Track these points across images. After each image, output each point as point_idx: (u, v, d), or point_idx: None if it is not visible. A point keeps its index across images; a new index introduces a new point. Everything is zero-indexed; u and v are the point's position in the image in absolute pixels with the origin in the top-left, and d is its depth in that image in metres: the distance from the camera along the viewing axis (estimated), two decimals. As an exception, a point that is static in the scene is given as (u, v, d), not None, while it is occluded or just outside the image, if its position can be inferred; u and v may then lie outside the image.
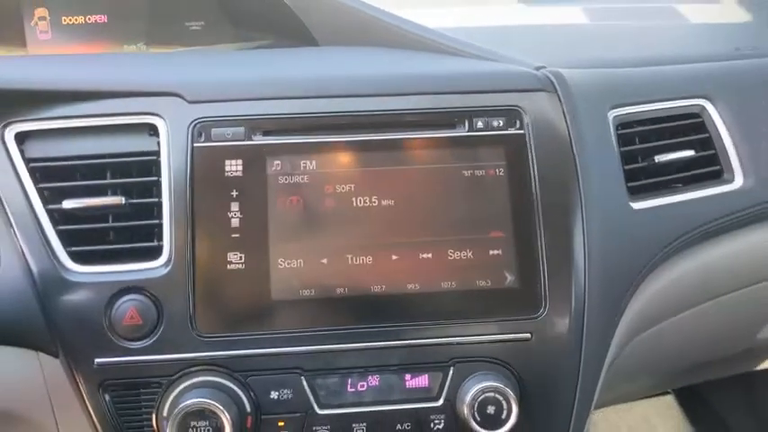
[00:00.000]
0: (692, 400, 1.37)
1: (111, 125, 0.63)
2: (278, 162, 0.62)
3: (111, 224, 0.61)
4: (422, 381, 0.61)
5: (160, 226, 0.61)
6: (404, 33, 0.76)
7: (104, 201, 0.60)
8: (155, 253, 0.60)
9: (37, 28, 0.97)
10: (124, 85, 0.63)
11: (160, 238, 0.61)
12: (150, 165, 0.63)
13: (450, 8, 1.11)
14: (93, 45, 0.98)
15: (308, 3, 0.81)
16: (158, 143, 0.62)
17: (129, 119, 0.63)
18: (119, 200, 0.61)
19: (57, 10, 0.96)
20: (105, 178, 0.62)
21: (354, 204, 0.62)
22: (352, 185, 0.62)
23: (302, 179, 0.62)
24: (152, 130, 0.63)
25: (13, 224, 0.60)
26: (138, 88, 0.63)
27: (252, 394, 0.59)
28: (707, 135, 0.73)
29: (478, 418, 0.58)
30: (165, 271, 0.59)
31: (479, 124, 0.63)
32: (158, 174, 0.62)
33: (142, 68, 0.68)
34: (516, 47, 0.76)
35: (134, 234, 0.62)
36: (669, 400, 1.41)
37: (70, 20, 0.97)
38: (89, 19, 0.98)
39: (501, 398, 0.58)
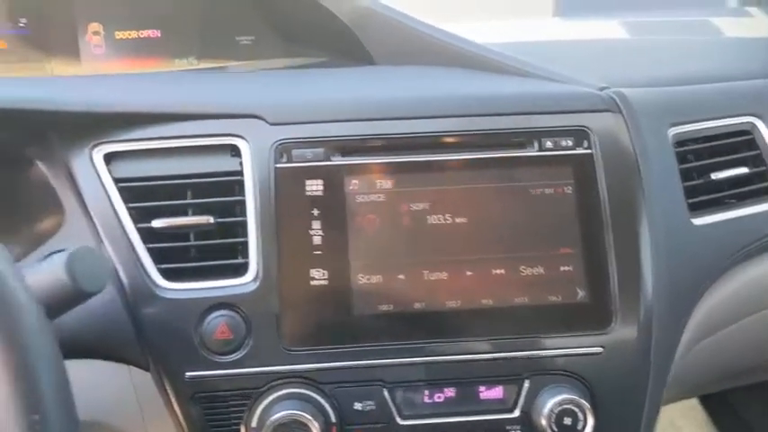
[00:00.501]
0: (716, 402, 1.41)
1: (195, 146, 0.65)
2: (356, 181, 0.64)
3: (199, 242, 0.63)
4: (496, 392, 0.64)
5: (246, 244, 0.63)
6: (462, 52, 0.78)
7: (194, 220, 0.63)
8: (241, 270, 0.63)
9: (91, 42, 0.99)
10: (209, 108, 0.65)
11: (246, 255, 0.63)
12: (233, 184, 0.65)
13: (484, 22, 1.13)
14: (145, 60, 1.00)
15: (365, 21, 0.83)
16: (240, 164, 0.65)
17: (214, 140, 0.65)
18: (207, 219, 0.63)
19: (110, 25, 0.98)
20: (191, 198, 0.65)
21: (429, 222, 0.65)
22: (427, 204, 0.65)
23: (379, 198, 0.64)
24: (234, 151, 0.65)
25: (105, 242, 0.62)
26: (222, 111, 0.65)
27: (337, 405, 0.62)
28: (758, 152, 0.75)
29: (556, 429, 0.60)
30: (253, 287, 0.62)
31: (549, 144, 0.66)
32: (242, 193, 0.64)
33: (224, 91, 0.70)
34: (559, 62, 0.78)
35: (219, 251, 0.64)
36: (693, 402, 1.44)
37: (124, 35, 0.99)
38: (142, 34, 1.00)
39: (577, 409, 0.61)
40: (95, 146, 0.65)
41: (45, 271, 0.47)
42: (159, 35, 1.00)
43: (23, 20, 0.97)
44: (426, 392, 0.64)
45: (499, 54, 0.76)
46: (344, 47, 0.86)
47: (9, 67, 0.98)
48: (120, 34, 0.99)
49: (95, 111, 0.64)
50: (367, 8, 0.82)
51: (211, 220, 0.63)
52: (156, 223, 0.63)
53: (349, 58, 0.87)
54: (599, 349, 0.63)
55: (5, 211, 0.71)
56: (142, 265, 0.62)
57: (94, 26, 0.99)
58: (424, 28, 0.80)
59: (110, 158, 0.65)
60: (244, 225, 0.64)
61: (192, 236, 0.65)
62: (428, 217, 0.65)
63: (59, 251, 0.55)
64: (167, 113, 0.66)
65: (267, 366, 0.62)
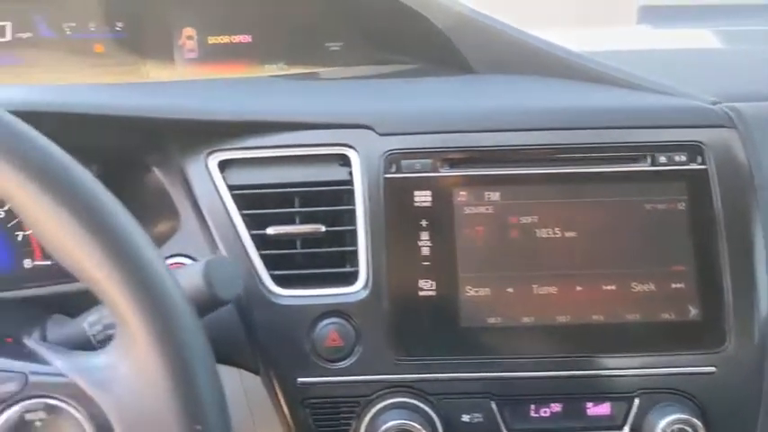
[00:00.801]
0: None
1: (305, 155, 0.66)
2: (464, 193, 0.65)
3: (309, 250, 0.64)
4: (603, 409, 0.63)
5: (355, 252, 0.64)
6: (564, 62, 0.78)
7: (306, 228, 0.64)
8: (350, 278, 0.64)
9: (184, 47, 1.01)
10: (321, 118, 0.66)
11: (355, 264, 0.64)
12: (341, 194, 0.66)
13: (566, 30, 1.12)
14: (236, 65, 1.02)
15: (464, 29, 0.83)
16: (350, 173, 0.65)
17: (324, 149, 0.66)
18: (318, 227, 0.64)
19: (204, 30, 1.00)
20: (298, 206, 0.66)
21: (538, 235, 0.64)
22: (536, 217, 0.64)
23: (487, 210, 0.64)
24: (342, 161, 0.66)
25: (221, 248, 0.63)
26: (333, 120, 0.66)
27: (444, 416, 0.62)
28: None
29: (669, 448, 0.60)
30: (363, 295, 0.62)
31: (662, 159, 0.65)
32: (351, 203, 0.65)
33: (333, 100, 0.71)
34: (653, 72, 0.77)
35: (327, 259, 0.65)
36: None
37: (216, 39, 1.01)
38: (234, 39, 1.02)
39: (690, 430, 0.60)
40: (210, 153, 0.66)
41: (182, 278, 0.48)
42: (250, 40, 1.01)
43: (120, 24, 1.00)
44: (533, 406, 0.64)
45: (603, 64, 0.76)
46: (439, 54, 0.86)
47: (105, 71, 1.01)
48: (212, 39, 1.01)
49: (215, 119, 0.65)
50: (465, 15, 0.82)
51: (322, 228, 0.64)
52: (271, 230, 0.64)
53: (444, 66, 0.87)
54: (712, 369, 0.62)
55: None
56: (256, 271, 0.63)
57: (188, 31, 1.01)
58: (523, 36, 0.80)
59: (224, 166, 0.66)
60: (353, 234, 0.65)
61: (298, 243, 0.66)
62: (537, 230, 0.64)
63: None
64: (281, 122, 0.67)
65: (376, 375, 0.62)
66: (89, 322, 0.52)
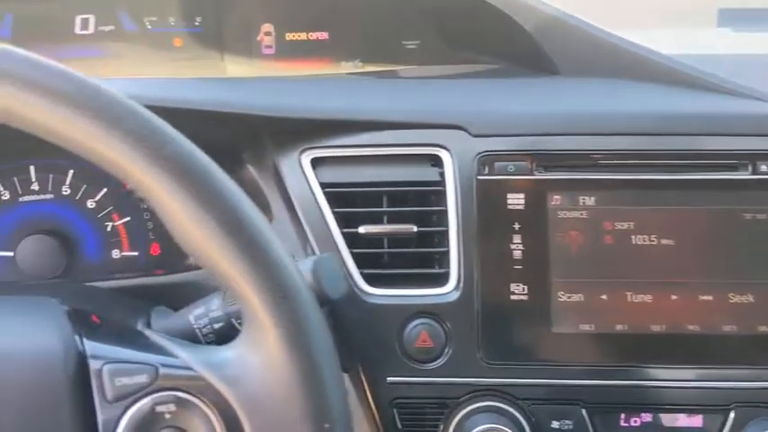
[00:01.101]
0: None
1: (396, 155, 0.66)
2: (558, 197, 0.64)
3: (399, 249, 0.64)
4: (695, 421, 0.62)
5: (446, 253, 0.63)
6: (655, 66, 0.76)
7: (399, 228, 0.64)
8: (441, 279, 0.63)
9: (262, 43, 1.02)
10: (414, 117, 0.66)
11: (446, 265, 0.63)
12: (431, 194, 0.65)
13: (646, 31, 1.09)
14: (313, 62, 1.02)
15: (551, 30, 0.82)
16: (441, 174, 0.65)
17: (416, 149, 0.66)
18: (411, 228, 0.63)
19: (282, 26, 1.00)
20: (386, 205, 0.65)
21: (633, 242, 0.63)
22: (632, 223, 0.63)
23: (581, 215, 0.63)
24: (434, 161, 0.66)
25: (313, 245, 0.64)
26: (425, 120, 0.66)
27: (533, 422, 0.61)
28: None
29: (768, 465, 0.58)
30: (453, 297, 0.62)
31: (763, 168, 0.63)
32: (441, 203, 0.64)
33: (425, 100, 0.70)
34: (741, 78, 0.75)
35: (416, 260, 0.65)
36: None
37: (294, 36, 1.01)
38: (311, 36, 1.02)
39: (791, 446, 0.58)
40: (304, 151, 0.66)
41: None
42: (327, 37, 1.02)
43: (199, 19, 1.01)
44: (623, 416, 0.63)
45: (696, 69, 0.74)
46: (523, 55, 0.85)
47: (183, 65, 1.02)
48: (290, 35, 1.01)
49: (311, 117, 0.66)
50: (553, 17, 0.81)
51: (414, 228, 0.64)
52: (362, 229, 0.64)
53: (527, 67, 0.86)
54: (813, 384, 0.60)
55: None
56: (348, 269, 0.63)
57: (267, 27, 1.01)
58: (613, 39, 0.78)
59: (316, 163, 0.67)
60: (444, 235, 0.64)
61: (385, 242, 0.66)
62: (632, 237, 0.63)
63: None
64: (375, 121, 0.67)
65: (465, 377, 0.62)
66: (195, 315, 0.53)
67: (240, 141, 0.67)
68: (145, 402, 0.38)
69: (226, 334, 0.52)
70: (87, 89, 0.35)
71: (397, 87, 0.78)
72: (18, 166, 0.74)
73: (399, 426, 0.63)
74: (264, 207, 0.67)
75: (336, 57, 1.01)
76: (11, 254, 0.74)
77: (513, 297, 0.62)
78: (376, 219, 0.65)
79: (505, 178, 0.64)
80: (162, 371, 0.39)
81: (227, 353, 0.39)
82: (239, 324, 0.52)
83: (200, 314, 0.53)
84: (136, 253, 0.78)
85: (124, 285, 0.73)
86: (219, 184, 0.36)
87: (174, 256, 0.78)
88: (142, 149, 0.35)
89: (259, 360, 0.38)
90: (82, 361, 0.40)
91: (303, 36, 1.02)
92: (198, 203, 0.36)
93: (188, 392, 0.39)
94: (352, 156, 0.67)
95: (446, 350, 0.62)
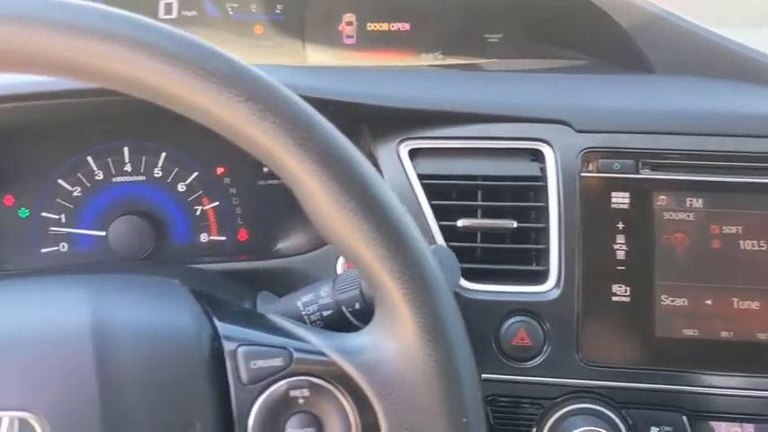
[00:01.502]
0: None
1: (495, 148, 0.65)
2: (663, 197, 0.62)
3: (500, 245, 0.63)
4: (803, 434, 0.60)
5: (545, 251, 0.62)
6: (760, 66, 0.73)
7: (498, 223, 0.63)
8: (540, 276, 0.62)
9: (343, 32, 1.01)
10: (516, 111, 0.65)
11: (545, 263, 0.62)
12: (530, 189, 0.64)
13: (744, 29, 1.06)
14: (393, 52, 1.01)
15: (647, 27, 0.80)
16: (541, 169, 0.64)
17: (516, 144, 0.65)
18: (510, 223, 0.62)
19: (364, 16, 1.00)
20: (484, 199, 0.64)
21: (741, 247, 0.61)
22: (741, 227, 0.61)
23: (688, 217, 0.62)
24: (534, 156, 0.64)
25: (410, 237, 0.63)
26: (528, 114, 0.65)
27: (632, 426, 0.60)
28: None
29: None
30: (553, 295, 0.61)
31: None
32: (541, 199, 0.63)
33: (525, 93, 0.69)
34: None
35: (514, 256, 0.64)
36: None
37: (375, 26, 1.01)
38: (392, 26, 1.01)
39: None
40: (402, 141, 0.66)
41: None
42: (408, 28, 1.01)
43: (280, 6, 1.01)
44: (724, 425, 0.61)
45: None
46: (615, 51, 0.83)
47: (263, 52, 1.02)
48: (371, 26, 1.01)
49: (413, 107, 0.65)
50: (649, 12, 0.79)
51: (514, 224, 0.63)
52: (461, 222, 0.63)
53: (617, 64, 0.84)
54: None
55: None
56: (445, 262, 0.62)
57: (348, 16, 1.01)
58: (713, 36, 0.76)
59: (414, 154, 0.66)
60: (544, 232, 0.63)
61: (478, 237, 0.65)
62: (741, 241, 0.61)
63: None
64: (475, 114, 0.66)
65: (563, 378, 0.61)
66: (303, 302, 0.53)
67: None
68: (280, 386, 0.38)
69: (334, 322, 0.52)
70: (246, 73, 0.34)
71: (491, 80, 0.76)
72: (113, 147, 0.75)
73: (492, 424, 0.62)
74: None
75: (417, 48, 1.01)
76: (103, 233, 0.75)
77: (614, 298, 0.61)
78: (470, 212, 0.64)
79: (610, 176, 0.63)
80: (296, 355, 0.38)
81: (361, 339, 0.39)
82: (350, 312, 0.52)
83: (308, 301, 0.52)
84: (223, 238, 0.78)
85: (211, 270, 0.73)
86: (364, 171, 0.36)
87: (260, 242, 0.78)
88: (292, 135, 0.34)
89: (395, 348, 0.37)
90: (216, 341, 0.40)
91: (384, 26, 1.01)
92: (342, 190, 0.35)
93: (322, 378, 0.38)
94: (451, 148, 0.66)
95: (544, 349, 0.61)
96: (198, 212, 0.77)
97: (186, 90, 0.35)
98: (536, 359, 0.61)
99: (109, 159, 0.75)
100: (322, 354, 0.39)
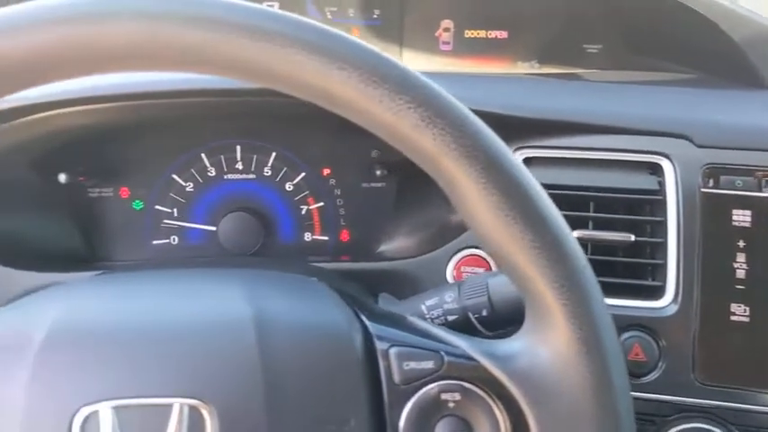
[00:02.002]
0: None
1: (611, 160, 0.64)
2: (787, 217, 0.60)
3: (614, 258, 0.62)
4: None
5: (663, 266, 0.61)
6: None
7: (615, 236, 0.62)
8: (654, 292, 0.61)
9: (440, 39, 1.02)
10: (634, 123, 0.64)
11: (661, 278, 0.61)
12: (647, 203, 0.63)
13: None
14: (489, 60, 1.01)
15: (760, 41, 0.78)
16: (659, 183, 0.63)
17: (634, 156, 0.64)
18: (628, 236, 0.62)
19: (461, 23, 1.00)
20: (598, 211, 0.64)
21: None
22: None
23: (813, 238, 0.60)
24: (652, 169, 0.63)
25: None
26: (646, 127, 0.64)
27: (747, 450, 0.58)
28: None
29: None
30: (670, 311, 0.60)
31: None
32: (660, 214, 0.62)
33: (645, 105, 0.68)
34: None
35: (626, 270, 0.63)
36: None
37: (473, 33, 1.01)
38: (490, 34, 1.01)
39: None
40: (518, 149, 0.66)
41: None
42: (506, 36, 1.01)
43: (377, 11, 1.02)
44: None
45: None
46: (723, 65, 0.81)
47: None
48: (469, 33, 1.01)
49: (531, 116, 0.65)
50: (763, 26, 0.77)
51: (632, 237, 0.62)
52: (577, 234, 0.63)
53: (725, 78, 0.82)
54: None
55: (419, 204, 0.74)
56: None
57: (446, 23, 1.01)
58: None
59: (528, 163, 0.66)
60: (661, 247, 0.62)
61: (588, 249, 0.64)
62: None
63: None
64: (593, 124, 0.65)
65: (677, 396, 0.60)
66: (427, 306, 0.53)
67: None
68: (431, 388, 0.39)
69: (458, 327, 0.52)
70: (416, 80, 0.35)
71: (604, 91, 0.76)
72: (226, 145, 0.77)
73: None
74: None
75: (513, 56, 1.01)
76: (213, 228, 0.77)
77: (733, 318, 0.60)
78: (581, 224, 0.64)
79: (732, 193, 0.61)
80: (447, 359, 0.39)
81: (512, 346, 0.39)
82: (476, 318, 0.52)
83: (432, 305, 0.53)
84: (326, 237, 0.79)
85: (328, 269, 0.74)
86: (528, 180, 0.36)
87: (361, 243, 0.79)
88: (458, 142, 0.35)
89: (548, 357, 0.37)
90: (368, 340, 0.40)
91: (482, 33, 1.02)
92: (506, 197, 0.36)
93: (473, 383, 0.39)
94: (566, 158, 0.66)
95: (659, 365, 0.60)
96: (303, 212, 0.79)
97: (359, 95, 0.36)
98: (650, 375, 0.60)
99: (222, 157, 0.77)
100: (472, 359, 0.39)
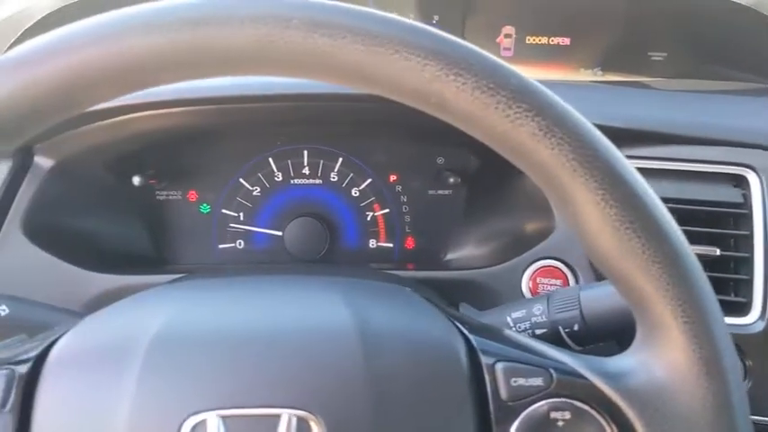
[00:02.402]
0: None
1: (693, 171, 0.63)
2: None
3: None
4: None
5: (749, 281, 0.59)
6: None
7: (699, 249, 0.60)
8: (738, 308, 0.60)
9: (501, 45, 1.00)
10: (718, 134, 0.62)
11: (746, 294, 0.59)
12: (731, 216, 0.61)
13: None
14: (550, 66, 1.00)
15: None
16: (743, 195, 0.61)
17: (718, 167, 0.62)
18: (713, 250, 0.60)
19: (523, 29, 0.99)
20: (681, 224, 0.62)
21: None
22: None
23: None
24: (736, 182, 0.62)
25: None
26: (731, 137, 0.62)
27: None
28: None
29: None
30: (757, 328, 0.58)
31: None
32: (746, 228, 0.60)
33: (728, 115, 0.66)
34: None
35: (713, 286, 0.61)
36: None
37: (534, 40, 1.00)
38: (552, 41, 1.00)
39: None
40: (597, 158, 0.64)
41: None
42: (569, 43, 0.99)
43: (436, 17, 1.01)
44: None
45: None
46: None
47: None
48: (530, 39, 1.00)
49: (612, 125, 0.63)
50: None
51: (717, 251, 0.61)
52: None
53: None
54: None
55: (491, 212, 0.73)
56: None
57: (508, 29, 1.00)
58: None
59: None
60: (746, 261, 0.60)
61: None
62: None
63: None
64: (675, 134, 0.64)
65: (764, 417, 0.58)
66: (514, 318, 0.52)
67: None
68: (540, 406, 0.37)
69: (546, 341, 0.51)
70: (533, 87, 0.34)
71: (680, 100, 0.74)
72: (293, 150, 0.76)
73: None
74: (546, 211, 0.66)
75: (576, 63, 0.99)
76: (279, 233, 0.76)
77: (818, 337, 0.58)
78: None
79: (813, 211, 0.59)
80: (557, 376, 0.38)
81: (623, 363, 0.38)
82: (566, 333, 0.51)
83: (519, 317, 0.52)
84: (391, 244, 0.78)
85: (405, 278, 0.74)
86: (648, 193, 0.35)
87: (426, 251, 0.78)
88: (577, 152, 0.34)
89: (663, 376, 0.36)
90: (473, 354, 0.39)
91: (544, 40, 1.00)
92: (626, 210, 0.35)
93: (584, 401, 0.37)
94: (647, 168, 0.64)
95: (746, 382, 0.58)
96: (369, 218, 0.78)
97: (474, 102, 0.35)
98: (735, 393, 0.58)
99: (289, 161, 0.77)
100: (582, 376, 0.38)
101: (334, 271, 0.62)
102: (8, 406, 0.36)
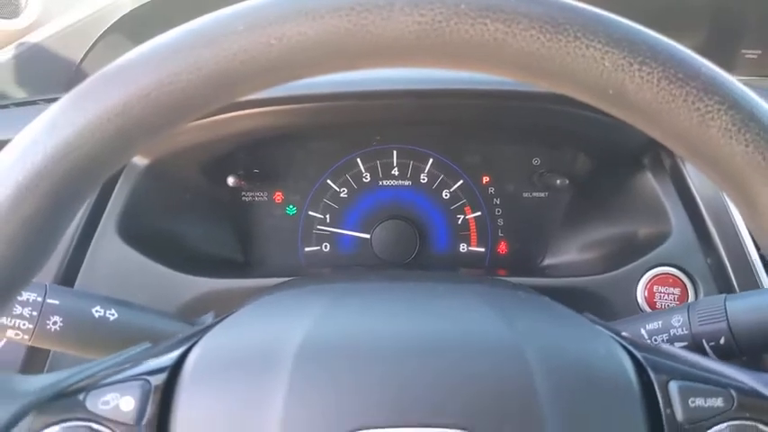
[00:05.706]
0: None
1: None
2: None
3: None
4: None
5: None
6: None
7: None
8: None
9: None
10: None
11: None
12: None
13: None
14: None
15: None
16: None
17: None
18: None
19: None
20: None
21: None
22: None
23: None
24: None
25: (722, 255, 0.58)
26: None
27: None
28: None
29: None
30: None
31: None
32: None
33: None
34: None
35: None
36: None
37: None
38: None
39: None
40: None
41: None
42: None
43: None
44: None
45: None
46: None
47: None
48: (616, 36, 0.96)
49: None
50: None
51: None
52: (790, 253, 0.57)
53: None
54: None
55: (599, 217, 0.69)
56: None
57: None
58: None
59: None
60: None
61: None
62: None
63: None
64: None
65: None
66: (648, 330, 0.49)
67: (641, 145, 0.62)
68: (722, 429, 0.34)
69: (686, 355, 0.47)
70: (723, 78, 0.31)
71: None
72: (383, 150, 0.74)
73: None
74: (662, 216, 0.62)
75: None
76: (367, 236, 0.74)
77: None
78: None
79: None
80: (737, 396, 0.34)
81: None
82: (711, 346, 0.47)
83: (655, 329, 0.48)
84: (482, 249, 0.75)
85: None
86: None
87: (521, 256, 0.75)
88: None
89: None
90: (642, 372, 0.36)
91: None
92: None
93: (769, 424, 0.34)
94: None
95: None
96: (459, 221, 0.75)
97: (659, 93, 0.31)
98: None
99: (377, 162, 0.74)
100: (765, 397, 0.34)
101: (433, 277, 0.59)
102: (144, 420, 0.33)
